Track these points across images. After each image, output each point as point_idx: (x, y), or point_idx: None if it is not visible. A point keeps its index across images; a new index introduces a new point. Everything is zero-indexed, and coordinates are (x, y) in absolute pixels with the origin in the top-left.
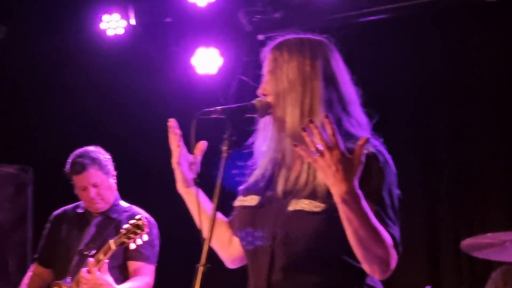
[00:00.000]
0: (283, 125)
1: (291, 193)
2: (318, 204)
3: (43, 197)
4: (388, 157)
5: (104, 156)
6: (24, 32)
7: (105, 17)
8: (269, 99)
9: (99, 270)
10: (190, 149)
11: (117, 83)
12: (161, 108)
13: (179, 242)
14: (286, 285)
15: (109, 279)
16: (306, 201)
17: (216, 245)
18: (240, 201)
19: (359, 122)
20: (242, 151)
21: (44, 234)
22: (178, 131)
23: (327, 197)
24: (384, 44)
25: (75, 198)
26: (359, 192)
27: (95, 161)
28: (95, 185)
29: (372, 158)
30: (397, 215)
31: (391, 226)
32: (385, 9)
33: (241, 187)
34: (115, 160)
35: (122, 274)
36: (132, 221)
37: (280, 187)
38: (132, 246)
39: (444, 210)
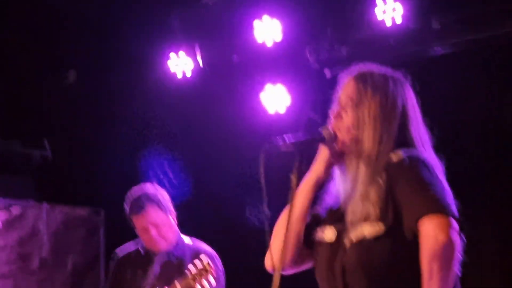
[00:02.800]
0: (358, 154)
1: (352, 221)
2: (375, 223)
3: (115, 239)
4: (424, 159)
5: (162, 194)
6: (91, 75)
7: (173, 57)
8: (340, 127)
9: None
10: (260, 183)
11: (185, 124)
12: (230, 147)
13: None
14: None
15: None
16: (364, 225)
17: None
18: (319, 232)
19: None
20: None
21: (109, 277)
22: None
23: (382, 215)
24: (454, 79)
25: None
26: None
27: (153, 200)
28: (155, 225)
29: (398, 165)
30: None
31: (436, 195)
32: (454, 42)
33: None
34: (186, 199)
35: None
36: (197, 263)
37: (347, 217)
38: None
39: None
